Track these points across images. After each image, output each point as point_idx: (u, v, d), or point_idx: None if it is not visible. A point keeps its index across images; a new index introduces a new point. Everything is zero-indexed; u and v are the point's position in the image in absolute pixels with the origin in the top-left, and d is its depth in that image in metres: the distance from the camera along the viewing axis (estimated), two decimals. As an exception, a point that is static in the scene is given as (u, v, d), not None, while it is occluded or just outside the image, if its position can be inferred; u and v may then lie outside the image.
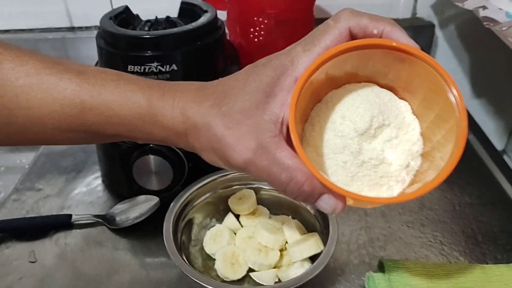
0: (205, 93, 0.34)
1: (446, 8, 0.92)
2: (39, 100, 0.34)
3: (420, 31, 0.95)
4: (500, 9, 0.63)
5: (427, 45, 0.96)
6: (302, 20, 0.74)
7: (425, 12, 0.96)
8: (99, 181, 0.63)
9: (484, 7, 0.65)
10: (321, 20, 0.94)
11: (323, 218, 0.50)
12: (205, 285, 0.43)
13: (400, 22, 1.06)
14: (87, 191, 0.62)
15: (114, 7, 0.93)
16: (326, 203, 0.32)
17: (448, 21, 0.92)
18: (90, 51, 0.97)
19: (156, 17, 0.61)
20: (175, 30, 0.55)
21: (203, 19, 0.57)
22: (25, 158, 0.91)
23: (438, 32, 0.95)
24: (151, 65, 0.54)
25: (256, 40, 0.72)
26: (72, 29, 0.95)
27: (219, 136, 0.32)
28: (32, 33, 0.94)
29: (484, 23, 0.61)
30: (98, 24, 0.98)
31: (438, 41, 0.96)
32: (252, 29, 0.71)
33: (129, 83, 0.35)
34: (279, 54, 0.34)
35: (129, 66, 0.54)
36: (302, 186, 0.31)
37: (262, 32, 0.71)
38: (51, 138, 0.36)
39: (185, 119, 0.34)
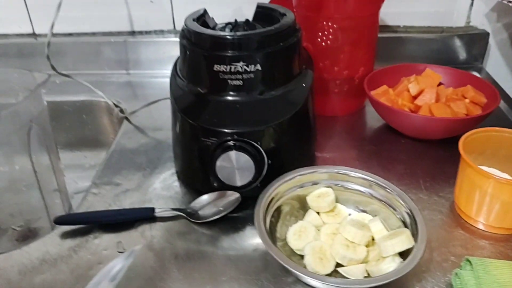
0: None
1: (500, 16, 0.92)
2: None
3: (474, 39, 0.95)
4: None
5: (481, 54, 0.97)
6: (368, 27, 0.75)
7: (479, 20, 0.96)
8: (175, 177, 0.65)
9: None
10: (384, 28, 0.99)
11: (411, 216, 0.51)
12: (298, 272, 0.45)
13: (453, 30, 1.06)
14: (165, 186, 0.63)
15: (175, 14, 0.96)
16: None
17: (502, 29, 0.92)
18: (149, 54, 1.00)
19: (236, 19, 0.63)
20: (260, 31, 0.57)
21: (285, 21, 0.59)
22: (83, 157, 0.93)
23: (492, 41, 0.96)
24: (236, 65, 0.55)
25: (323, 44, 0.73)
26: (132, 33, 0.97)
27: None
28: (95, 37, 0.97)
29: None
30: (157, 28, 1.01)
31: (491, 49, 0.96)
32: (320, 33, 0.73)
33: None
34: None
35: (215, 65, 0.56)
36: None
37: (330, 37, 0.73)
38: None
39: None
